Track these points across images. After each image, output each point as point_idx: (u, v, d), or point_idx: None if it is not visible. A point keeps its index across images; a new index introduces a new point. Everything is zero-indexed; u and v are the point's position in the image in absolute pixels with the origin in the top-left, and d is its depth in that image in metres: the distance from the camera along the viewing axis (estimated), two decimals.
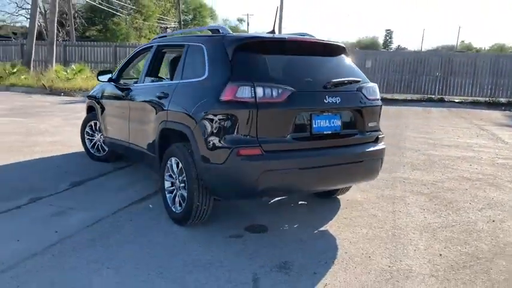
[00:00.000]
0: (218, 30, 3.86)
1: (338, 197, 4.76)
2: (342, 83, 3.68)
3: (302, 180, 3.50)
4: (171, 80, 4.27)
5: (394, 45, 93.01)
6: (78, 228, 3.76)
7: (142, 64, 5.17)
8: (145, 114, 4.37)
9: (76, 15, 36.39)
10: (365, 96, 3.79)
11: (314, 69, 3.76)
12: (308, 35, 4.33)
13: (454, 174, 5.94)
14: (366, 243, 3.63)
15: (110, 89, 5.44)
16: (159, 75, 4.98)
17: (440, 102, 17.66)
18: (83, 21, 37.31)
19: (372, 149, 3.83)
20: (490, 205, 4.68)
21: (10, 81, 15.86)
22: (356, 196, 4.84)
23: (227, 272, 3.06)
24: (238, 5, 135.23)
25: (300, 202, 4.65)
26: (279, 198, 4.68)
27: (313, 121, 3.50)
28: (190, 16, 55.22)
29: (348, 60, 4.05)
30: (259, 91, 3.26)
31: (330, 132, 3.60)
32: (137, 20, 39.89)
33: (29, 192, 4.63)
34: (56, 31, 18.53)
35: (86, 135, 6.22)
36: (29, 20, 20.15)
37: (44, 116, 10.20)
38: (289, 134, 3.39)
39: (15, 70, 16.24)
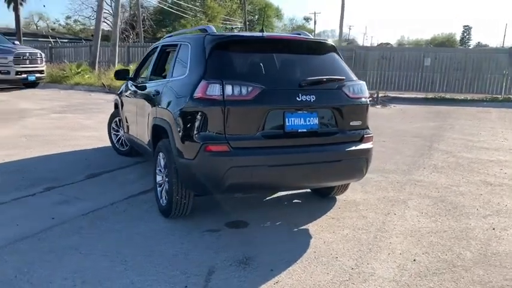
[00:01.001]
0: (206, 30, 3.97)
1: (336, 196, 4.68)
2: (320, 81, 3.63)
3: (272, 178, 3.51)
4: (165, 78, 4.45)
5: (472, 42, 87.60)
6: (73, 216, 4.05)
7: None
8: (144, 111, 4.60)
9: (146, 17, 38.32)
10: (346, 94, 3.71)
11: (292, 67, 3.75)
12: (304, 33, 4.30)
13: (476, 178, 5.58)
14: (341, 244, 3.56)
15: (127, 88, 5.75)
16: (165, 73, 5.19)
17: (507, 102, 16.41)
18: (152, 23, 39.14)
19: (353, 148, 3.74)
20: (498, 212, 4.36)
21: (75, 80, 17.10)
22: (356, 197, 4.73)
23: (187, 263, 3.16)
24: (306, 4, 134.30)
25: (294, 200, 4.64)
26: (277, 195, 4.70)
27: (286, 119, 3.49)
28: (256, 16, 55.92)
29: (334, 58, 3.98)
30: (228, 88, 3.32)
31: (305, 130, 3.57)
32: (202, 21, 41.09)
33: (48, 182, 5.04)
34: (119, 34, 19.67)
35: (112, 131, 6.61)
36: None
37: (93, 112, 10.92)
38: (259, 132, 3.42)
39: (79, 70, 17.48)
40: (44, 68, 15.80)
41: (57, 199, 4.53)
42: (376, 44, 41.36)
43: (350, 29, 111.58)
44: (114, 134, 6.61)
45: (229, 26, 48.76)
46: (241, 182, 3.42)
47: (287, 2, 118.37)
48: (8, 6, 31.19)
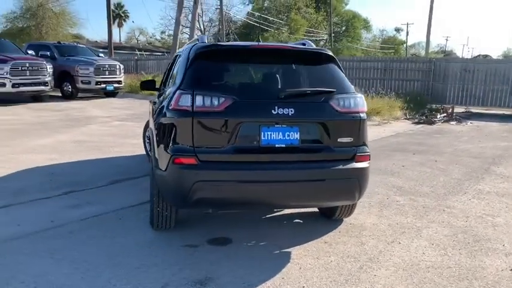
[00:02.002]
0: (198, 40, 3.91)
1: (345, 219, 4.32)
2: (302, 94, 3.37)
3: (243, 195, 3.31)
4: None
5: None
6: (72, 220, 4.17)
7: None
8: (151, 121, 4.64)
9: (230, 31, 39.62)
10: (334, 108, 3.40)
11: (277, 78, 3.53)
12: (308, 43, 4.07)
13: None
14: (317, 272, 3.24)
15: (154, 98, 5.88)
16: None
17: None
18: (236, 37, 40.30)
19: (340, 167, 3.41)
20: None
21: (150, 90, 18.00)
22: (367, 220, 4.33)
23: (144, 278, 3.08)
24: (397, 14, 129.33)
25: (296, 220, 4.36)
26: (279, 213, 4.46)
27: (262, 133, 3.28)
28: (343, 28, 54.99)
29: (330, 69, 3.68)
30: (198, 99, 3.21)
31: (283, 145, 3.33)
32: (284, 34, 41.42)
33: (70, 186, 5.29)
34: (177, 46, 20.33)
35: (146, 139, 6.81)
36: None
37: None
38: (230, 145, 3.25)
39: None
40: (121, 79, 16.87)
41: (70, 203, 4.71)
42: (472, 57, 38.29)
43: (447, 40, 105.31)
44: (148, 142, 6.78)
45: (313, 38, 48.54)
46: (208, 197, 3.27)
47: (377, 13, 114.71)
48: (113, 23, 34.26)
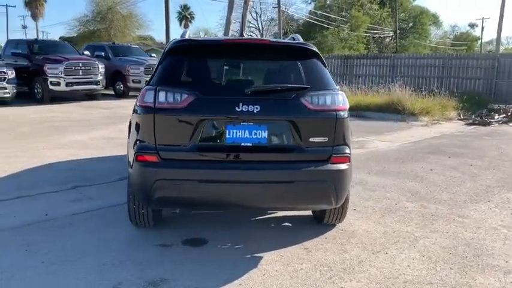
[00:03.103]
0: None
1: (339, 224, 4.05)
2: (270, 90, 3.18)
3: (205, 195, 3.18)
4: None
5: None
6: (65, 215, 4.26)
7: None
8: None
9: (289, 30, 39.36)
10: (305, 106, 3.17)
11: (247, 74, 3.36)
12: (297, 37, 3.88)
13: None
14: (280, 279, 3.05)
15: None
16: None
17: None
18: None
19: (312, 168, 3.17)
20: None
21: None
22: (362, 227, 4.04)
23: (102, 275, 3.06)
24: (472, 9, 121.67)
25: (284, 223, 4.15)
26: (272, 215, 4.28)
27: (227, 131, 3.14)
28: (410, 24, 52.70)
29: (308, 64, 3.44)
30: (161, 96, 3.14)
31: (250, 144, 3.16)
32: (344, 32, 40.50)
33: (81, 181, 5.43)
34: None
35: None
36: None
37: None
38: (193, 143, 3.14)
39: None
40: None
41: (73, 197, 4.84)
42: None
43: None
44: None
45: (377, 35, 46.95)
46: (170, 197, 3.18)
47: (449, 8, 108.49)
48: (180, 24, 35.50)
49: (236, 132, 3.14)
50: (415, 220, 4.24)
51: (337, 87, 3.41)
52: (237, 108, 3.10)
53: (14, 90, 12.81)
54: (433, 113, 12.69)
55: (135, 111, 3.43)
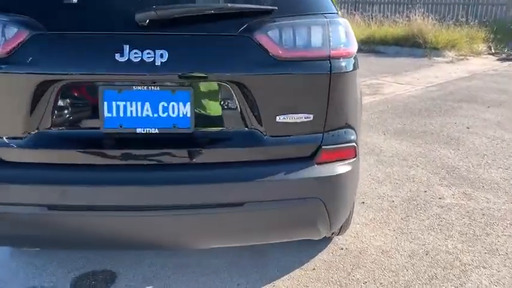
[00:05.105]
0: None
1: (338, 237, 2.55)
2: (196, 16, 1.52)
3: (57, 231, 1.64)
4: None
5: None
6: None
7: None
8: None
9: None
10: (268, 48, 1.53)
11: None
12: None
13: None
14: None
15: None
16: None
17: None
18: None
19: (281, 176, 1.59)
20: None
21: None
22: (372, 243, 2.53)
23: None
24: None
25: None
26: None
27: (104, 103, 1.53)
28: None
29: None
30: None
31: (156, 130, 1.56)
32: None
33: None
34: None
35: None
36: None
37: None
38: (34, 132, 1.55)
39: None
40: None
41: None
42: None
43: None
44: None
45: None
46: None
47: None
48: None
49: (124, 106, 1.53)
50: (457, 226, 2.70)
51: (337, 11, 1.74)
52: (119, 57, 1.46)
53: None
54: (459, 46, 10.76)
55: None
